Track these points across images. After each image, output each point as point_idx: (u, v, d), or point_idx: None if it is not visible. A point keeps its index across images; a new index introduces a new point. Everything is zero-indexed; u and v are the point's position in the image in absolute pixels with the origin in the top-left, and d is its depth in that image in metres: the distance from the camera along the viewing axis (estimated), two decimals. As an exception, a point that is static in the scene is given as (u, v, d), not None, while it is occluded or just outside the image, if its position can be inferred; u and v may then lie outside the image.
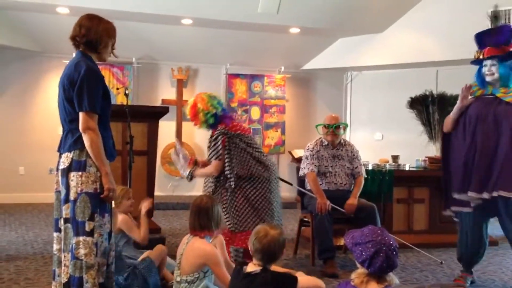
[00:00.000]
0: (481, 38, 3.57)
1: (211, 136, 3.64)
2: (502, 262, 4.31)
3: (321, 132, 4.31)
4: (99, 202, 2.40)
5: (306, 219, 4.36)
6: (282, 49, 8.09)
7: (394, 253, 2.02)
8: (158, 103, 7.77)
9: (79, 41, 2.50)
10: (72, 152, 2.41)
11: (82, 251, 2.35)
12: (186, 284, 2.37)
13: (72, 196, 2.38)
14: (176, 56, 7.89)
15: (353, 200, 4.06)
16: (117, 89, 4.46)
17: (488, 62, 3.45)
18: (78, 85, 2.38)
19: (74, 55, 2.58)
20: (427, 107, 5.47)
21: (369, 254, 2.01)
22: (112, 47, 2.59)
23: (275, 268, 2.35)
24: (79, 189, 2.37)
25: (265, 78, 8.32)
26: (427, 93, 5.56)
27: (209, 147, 3.63)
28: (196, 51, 7.84)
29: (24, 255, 4.25)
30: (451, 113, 3.63)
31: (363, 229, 2.16)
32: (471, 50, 7.23)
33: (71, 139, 2.43)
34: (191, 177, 3.66)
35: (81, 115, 2.38)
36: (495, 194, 3.27)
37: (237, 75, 8.22)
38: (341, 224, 4.21)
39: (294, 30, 7.44)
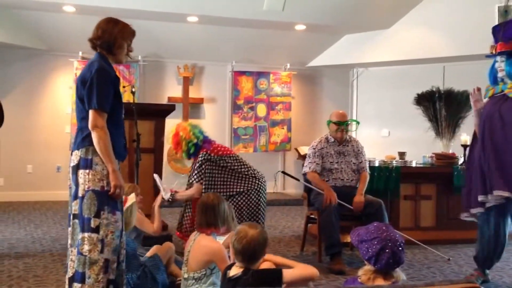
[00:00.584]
0: (495, 33, 3.53)
1: (194, 162, 3.91)
2: (510, 258, 4.29)
3: (332, 129, 4.31)
4: (106, 200, 2.43)
5: (312, 216, 4.36)
6: (287, 46, 8.08)
7: (400, 248, 2.03)
8: (164, 101, 7.79)
9: (95, 43, 2.58)
10: (80, 150, 2.45)
11: (86, 247, 2.39)
12: (193, 281, 2.38)
13: (80, 193, 2.43)
14: (182, 53, 7.90)
15: (359, 198, 4.06)
16: (124, 87, 4.48)
17: (499, 58, 3.43)
18: (88, 84, 2.43)
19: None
20: (434, 103, 5.44)
21: (375, 251, 2.02)
22: (128, 49, 2.62)
23: (271, 259, 2.29)
24: (86, 186, 2.42)
25: (271, 75, 8.31)
26: (434, 89, 5.53)
27: (192, 170, 3.91)
28: (202, 49, 7.85)
29: (33, 252, 4.28)
30: (474, 120, 3.63)
31: (368, 226, 2.17)
32: (478, 46, 7.23)
33: (80, 137, 2.49)
34: (172, 199, 3.82)
35: (90, 113, 2.42)
36: None
37: (243, 73, 8.22)
38: (348, 221, 4.20)
39: (300, 27, 7.43)
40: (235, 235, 2.18)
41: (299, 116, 8.58)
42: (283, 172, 4.69)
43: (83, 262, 2.38)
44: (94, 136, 2.40)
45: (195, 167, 3.86)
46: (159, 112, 4.60)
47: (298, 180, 4.60)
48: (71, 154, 2.53)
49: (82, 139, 2.46)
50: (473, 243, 4.65)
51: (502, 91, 3.42)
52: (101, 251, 2.39)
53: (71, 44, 7.29)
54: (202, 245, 2.43)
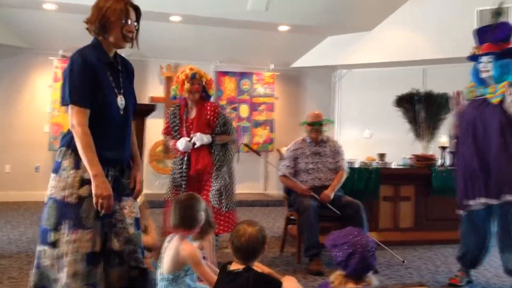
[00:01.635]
0: (481, 34, 3.53)
1: (220, 114, 3.88)
2: (488, 260, 4.34)
3: (306, 129, 4.35)
4: (68, 213, 2.08)
5: (292, 217, 4.37)
6: (271, 46, 8.09)
7: (370, 254, 2.04)
8: (147, 101, 7.73)
9: (87, 27, 2.25)
10: (58, 150, 2.19)
11: (47, 261, 2.10)
12: (167, 282, 2.37)
13: (45, 199, 2.16)
14: (165, 53, 7.85)
15: (329, 192, 4.10)
16: (103, 86, 4.44)
17: (484, 59, 3.42)
18: (63, 76, 2.16)
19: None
20: (414, 105, 5.50)
21: (344, 256, 2.04)
22: (124, 29, 2.21)
23: (260, 267, 2.33)
24: (49, 192, 2.14)
25: (254, 75, 8.31)
26: (414, 91, 5.58)
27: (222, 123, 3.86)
28: (185, 49, 7.81)
29: (9, 254, 4.22)
30: (453, 120, 3.65)
31: (342, 230, 2.19)
32: (458, 49, 7.30)
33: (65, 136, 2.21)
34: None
35: (69, 109, 2.11)
36: (508, 199, 3.25)
37: (226, 73, 8.20)
38: (328, 222, 4.21)
39: (283, 28, 7.44)
40: (234, 233, 2.19)
41: (282, 117, 8.59)
42: (246, 145, 4.79)
43: (44, 277, 2.11)
44: (74, 137, 2.10)
45: (225, 120, 3.88)
46: (140, 112, 4.52)
47: (259, 154, 4.76)
48: None
49: (61, 139, 2.22)
50: (450, 244, 4.72)
51: (483, 95, 3.43)
52: (59, 271, 2.07)
53: (51, 42, 7.21)
54: (175, 247, 2.41)
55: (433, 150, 5.58)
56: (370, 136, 8.51)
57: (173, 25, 7.21)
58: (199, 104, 3.86)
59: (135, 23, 2.28)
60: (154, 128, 7.58)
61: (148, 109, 4.65)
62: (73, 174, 2.10)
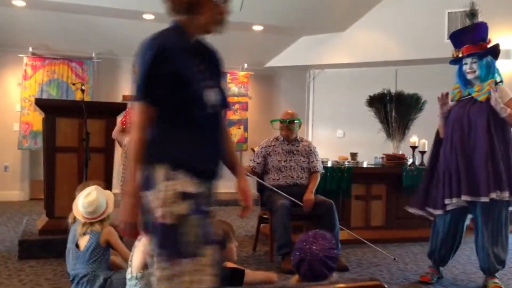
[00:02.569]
0: (458, 37, 3.61)
1: None
2: (454, 257, 4.45)
3: (276, 127, 4.42)
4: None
5: (265, 216, 4.38)
6: (245, 46, 8.09)
7: (320, 263, 2.08)
8: (119, 100, 7.63)
9: (167, 5, 1.81)
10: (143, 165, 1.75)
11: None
12: (136, 280, 2.35)
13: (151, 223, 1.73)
14: (138, 51, 7.77)
15: (309, 195, 4.12)
16: (73, 84, 4.36)
17: (469, 60, 3.47)
18: (135, 67, 1.75)
19: None
20: (385, 105, 5.58)
21: (295, 261, 2.10)
22: (216, 10, 1.83)
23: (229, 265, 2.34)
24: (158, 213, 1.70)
25: (228, 75, 8.30)
26: (385, 91, 5.67)
27: None
28: (158, 47, 7.74)
29: (-25, 255, 4.11)
30: (439, 121, 3.68)
31: (306, 233, 2.24)
32: (428, 50, 7.44)
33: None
34: None
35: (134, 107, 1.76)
36: (492, 197, 3.28)
37: (200, 72, 8.16)
38: (300, 221, 4.25)
39: (257, 28, 7.46)
40: None
41: (256, 116, 8.60)
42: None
43: None
44: (131, 140, 1.73)
45: None
46: (111, 111, 4.50)
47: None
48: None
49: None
50: (419, 242, 4.82)
51: (469, 94, 3.48)
52: None
53: (21, 39, 7.05)
54: (145, 246, 2.40)
55: (403, 149, 5.68)
56: (343, 135, 8.60)
57: (146, 23, 7.13)
58: None
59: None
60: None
61: (119, 108, 4.63)
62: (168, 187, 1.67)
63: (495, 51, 3.53)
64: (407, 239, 5.01)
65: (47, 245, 4.07)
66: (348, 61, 8.06)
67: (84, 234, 2.92)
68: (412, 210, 3.76)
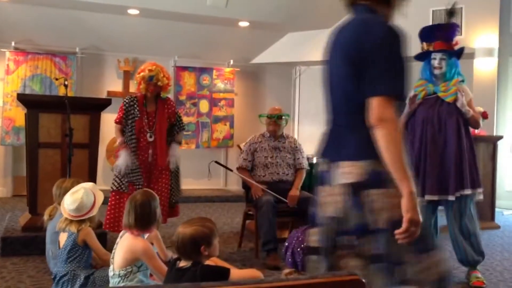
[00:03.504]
0: (430, 32, 3.64)
1: (177, 111, 4.16)
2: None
3: (264, 122, 4.41)
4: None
5: (250, 212, 4.38)
6: (231, 42, 8.07)
7: (302, 251, 2.14)
8: (104, 95, 7.57)
9: None
10: (362, 161, 1.67)
11: None
12: (119, 278, 2.34)
13: (380, 224, 1.63)
14: (123, 47, 7.70)
15: (295, 192, 4.14)
16: (56, 79, 4.29)
17: (438, 56, 3.52)
18: (373, 56, 1.64)
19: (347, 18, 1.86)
20: (370, 102, 5.61)
21: (283, 250, 2.25)
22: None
23: (215, 261, 2.34)
24: (388, 214, 1.63)
25: (214, 71, 8.28)
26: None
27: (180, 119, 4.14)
28: (143, 43, 7.69)
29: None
30: (402, 118, 3.66)
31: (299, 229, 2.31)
32: (413, 48, 7.43)
33: (354, 140, 1.72)
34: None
35: (373, 101, 1.63)
36: (458, 194, 3.38)
37: (185, 68, 8.13)
38: (285, 217, 4.26)
39: (243, 24, 7.44)
40: (176, 233, 2.18)
41: (242, 113, 8.59)
42: (216, 162, 4.72)
43: None
44: (379, 135, 1.60)
45: (180, 117, 4.17)
46: (95, 106, 4.45)
47: (231, 170, 4.67)
48: (329, 165, 1.76)
49: (363, 144, 1.67)
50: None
51: (435, 93, 3.52)
52: None
53: (3, 34, 6.93)
54: (127, 243, 2.39)
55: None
56: (329, 132, 8.63)
57: (131, 18, 7.08)
58: (158, 99, 4.03)
59: None
60: (111, 123, 7.43)
61: (104, 103, 4.59)
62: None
63: (460, 54, 3.62)
64: (391, 235, 5.04)
65: (30, 242, 4.03)
66: (334, 58, 8.08)
67: (64, 230, 2.87)
68: None
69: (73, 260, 2.81)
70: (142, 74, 3.90)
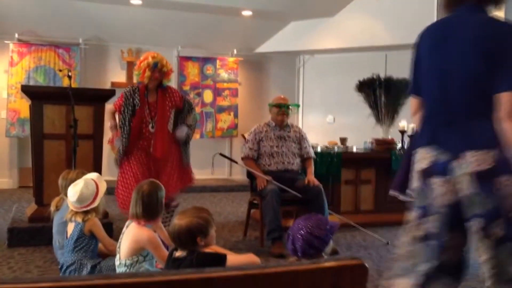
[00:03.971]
0: None
1: (184, 98, 4.11)
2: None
3: (274, 111, 4.37)
4: None
5: (255, 202, 4.40)
6: (234, 32, 8.04)
7: (301, 237, 2.17)
8: (108, 86, 7.57)
9: None
10: (492, 150, 1.80)
11: None
12: (125, 267, 2.36)
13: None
14: (126, 37, 7.69)
15: (311, 177, 4.18)
16: (60, 70, 4.28)
17: None
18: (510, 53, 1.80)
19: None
20: (375, 90, 5.60)
21: (286, 239, 2.25)
22: None
23: (213, 249, 2.33)
24: None
25: (218, 61, 8.25)
26: (375, 76, 5.67)
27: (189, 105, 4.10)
28: (146, 33, 7.67)
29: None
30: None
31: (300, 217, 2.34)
32: (417, 35, 7.39)
33: (482, 131, 1.84)
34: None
35: (505, 96, 1.78)
36: None
37: (189, 58, 8.11)
38: (290, 206, 4.28)
39: (246, 13, 7.40)
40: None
41: (246, 102, 8.58)
42: (221, 154, 4.71)
43: None
44: (509, 129, 1.77)
45: (189, 102, 4.13)
46: (98, 97, 4.46)
47: (236, 162, 4.68)
48: (453, 156, 1.86)
49: (491, 135, 1.81)
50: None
51: None
52: None
53: (7, 25, 6.93)
54: (133, 233, 2.41)
55: (393, 134, 5.71)
56: (333, 121, 8.62)
57: (133, 8, 7.06)
58: (159, 89, 3.97)
59: None
60: (116, 114, 7.46)
61: (107, 94, 4.60)
62: None
63: None
64: (396, 222, 5.03)
65: (37, 232, 4.06)
66: (338, 46, 8.04)
67: (70, 220, 2.90)
68: (392, 193, 3.79)
69: (80, 249, 2.84)
70: (146, 61, 3.85)
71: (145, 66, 3.84)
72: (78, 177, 3.09)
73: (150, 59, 3.86)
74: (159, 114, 3.89)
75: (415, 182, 2.03)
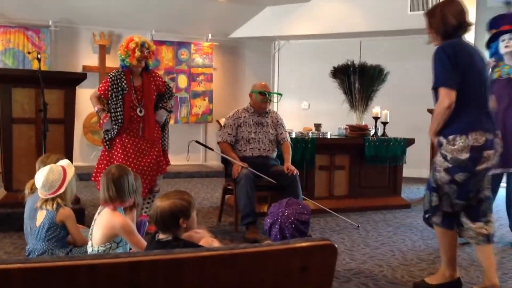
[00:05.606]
0: (496, 21, 3.96)
1: (166, 82, 4.19)
2: (413, 223, 4.60)
3: (258, 98, 4.33)
4: None
5: (230, 187, 4.39)
6: (209, 16, 7.96)
7: (291, 225, 2.13)
8: (79, 70, 7.42)
9: None
10: None
11: None
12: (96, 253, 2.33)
13: None
14: (98, 20, 7.52)
15: (288, 165, 4.15)
16: (29, 53, 4.15)
17: (507, 36, 3.81)
18: None
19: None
20: (349, 76, 5.61)
21: (267, 225, 2.16)
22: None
23: (203, 234, 2.33)
24: None
25: (192, 45, 8.17)
26: (349, 63, 5.70)
27: (169, 90, 4.17)
28: (119, 16, 7.52)
29: None
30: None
31: (281, 201, 2.30)
32: (392, 22, 7.49)
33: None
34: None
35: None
36: None
37: (163, 42, 8.00)
38: (264, 191, 4.28)
39: (221, -3, 7.33)
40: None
41: (221, 88, 8.54)
42: (197, 142, 4.67)
43: None
44: None
45: (170, 87, 4.19)
46: (69, 81, 4.35)
47: (212, 149, 4.64)
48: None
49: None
50: (380, 210, 4.97)
51: (508, 74, 3.83)
52: None
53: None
54: (105, 219, 2.37)
55: (366, 120, 5.76)
56: (308, 107, 8.65)
57: (106, -10, 6.90)
58: (143, 73, 4.00)
59: None
60: (87, 98, 7.30)
61: (78, 78, 4.49)
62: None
63: None
64: (369, 207, 5.14)
65: (6, 218, 3.97)
66: (313, 32, 8.04)
67: (41, 208, 2.83)
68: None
69: (51, 238, 2.78)
70: (134, 42, 3.86)
71: (134, 46, 3.85)
72: (55, 162, 3.02)
73: (137, 39, 3.89)
74: (145, 98, 3.95)
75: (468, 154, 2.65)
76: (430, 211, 2.83)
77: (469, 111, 2.65)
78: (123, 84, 3.89)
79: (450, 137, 2.65)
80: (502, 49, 3.84)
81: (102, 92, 3.92)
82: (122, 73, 3.94)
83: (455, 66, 2.61)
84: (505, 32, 3.82)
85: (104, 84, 3.93)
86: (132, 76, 3.96)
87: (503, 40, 3.84)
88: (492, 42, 3.97)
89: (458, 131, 2.62)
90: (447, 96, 2.59)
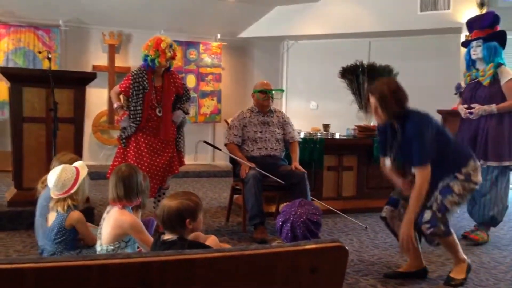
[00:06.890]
0: (470, 24, 4.18)
1: (184, 83, 4.25)
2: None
3: (260, 97, 4.34)
4: None
5: (238, 187, 4.40)
6: (218, 16, 7.97)
7: (302, 225, 2.13)
8: (89, 69, 7.46)
9: None
10: None
11: None
12: (107, 253, 2.34)
13: None
14: (107, 20, 7.56)
15: (296, 164, 4.17)
16: (39, 52, 4.18)
17: (474, 43, 4.05)
18: None
19: None
20: (358, 77, 5.60)
21: (278, 223, 2.16)
22: None
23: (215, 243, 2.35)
24: None
25: (201, 45, 8.18)
26: (358, 63, 5.68)
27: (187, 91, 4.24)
28: (129, 16, 7.55)
29: None
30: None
31: (293, 201, 2.32)
32: (401, 23, 7.45)
33: None
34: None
35: None
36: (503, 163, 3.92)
37: (172, 42, 8.01)
38: (272, 191, 4.28)
39: (230, -3, 7.34)
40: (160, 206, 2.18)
41: (229, 88, 8.55)
42: (205, 142, 4.69)
43: None
44: None
45: (187, 88, 4.27)
46: (79, 80, 4.38)
47: (220, 149, 4.64)
48: None
49: None
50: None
51: (476, 77, 4.02)
52: None
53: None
54: (114, 218, 2.39)
55: (375, 121, 5.73)
56: (316, 107, 8.64)
57: (116, -10, 6.94)
58: (165, 74, 4.01)
59: None
60: (97, 97, 7.37)
61: (88, 77, 4.52)
62: None
63: (498, 37, 4.04)
64: (377, 209, 5.09)
65: (16, 216, 4.01)
66: (322, 32, 8.03)
67: (52, 210, 2.84)
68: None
69: (60, 242, 2.79)
70: (165, 42, 3.86)
71: (165, 47, 3.86)
72: (71, 162, 3.04)
73: (166, 40, 3.92)
74: (165, 98, 3.96)
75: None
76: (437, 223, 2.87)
77: None
78: (145, 83, 3.90)
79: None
80: (472, 56, 4.06)
81: (123, 89, 3.93)
82: (144, 72, 3.94)
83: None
84: (474, 39, 4.07)
85: (126, 82, 3.93)
86: (153, 76, 3.96)
87: (472, 47, 4.07)
88: (465, 46, 4.26)
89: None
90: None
